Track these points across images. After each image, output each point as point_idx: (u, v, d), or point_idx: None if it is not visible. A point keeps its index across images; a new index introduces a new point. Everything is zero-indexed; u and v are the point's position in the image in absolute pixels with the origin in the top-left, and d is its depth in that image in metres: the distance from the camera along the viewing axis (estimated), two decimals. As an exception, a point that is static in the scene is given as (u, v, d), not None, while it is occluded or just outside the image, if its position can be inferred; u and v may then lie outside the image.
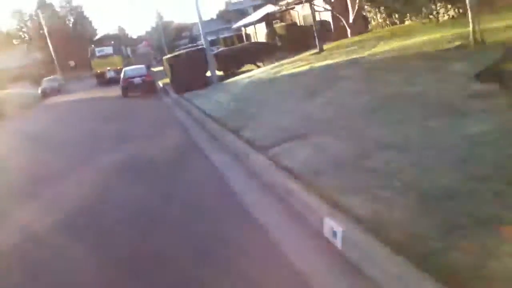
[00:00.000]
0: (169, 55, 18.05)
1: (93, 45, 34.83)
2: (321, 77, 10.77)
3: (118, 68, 33.66)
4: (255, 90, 12.27)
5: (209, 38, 62.92)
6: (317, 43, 17.01)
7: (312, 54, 16.66)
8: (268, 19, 31.74)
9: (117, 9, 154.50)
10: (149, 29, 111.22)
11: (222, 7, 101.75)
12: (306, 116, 7.21)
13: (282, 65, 16.25)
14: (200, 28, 18.21)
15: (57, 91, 36.18)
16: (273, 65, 17.03)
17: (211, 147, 7.64)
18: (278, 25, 26.90)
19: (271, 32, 28.79)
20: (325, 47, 17.42)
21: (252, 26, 36.40)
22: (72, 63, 59.71)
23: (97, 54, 33.43)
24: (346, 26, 20.04)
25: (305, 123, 6.72)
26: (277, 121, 7.43)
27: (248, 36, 38.52)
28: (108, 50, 33.48)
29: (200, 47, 20.88)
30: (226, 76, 18.90)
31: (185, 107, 13.37)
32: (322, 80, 10.22)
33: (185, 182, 6.02)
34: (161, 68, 33.85)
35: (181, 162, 7.13)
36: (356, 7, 19.51)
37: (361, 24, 19.84)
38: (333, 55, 14.22)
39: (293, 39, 21.60)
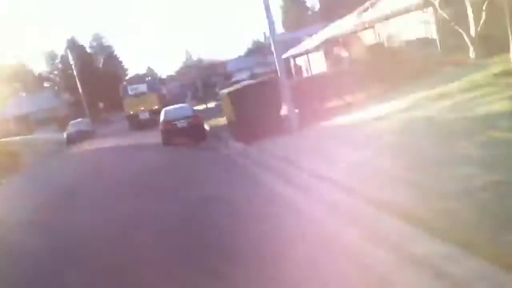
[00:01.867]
0: (230, 88, 12.94)
1: (125, 82, 30.43)
2: None
3: (154, 108, 29.08)
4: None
5: (243, 75, 58.96)
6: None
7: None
8: (328, 46, 26.81)
9: (145, 48, 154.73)
10: (177, 68, 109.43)
11: (250, 43, 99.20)
12: None
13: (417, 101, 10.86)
14: (272, 43, 13.15)
15: (84, 136, 31.77)
16: (403, 101, 11.49)
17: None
18: (354, 48, 21.70)
19: (336, 59, 23.78)
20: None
21: (304, 56, 31.59)
22: (101, 104, 56.07)
23: (130, 92, 28.99)
24: (468, 42, 14.70)
25: None
26: None
27: (298, 68, 33.66)
28: (142, 87, 29.00)
29: (270, 76, 15.83)
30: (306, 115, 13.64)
31: (277, 172, 8.08)
32: None
33: None
34: (199, 107, 29.20)
35: None
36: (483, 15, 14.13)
37: (491, 41, 14.38)
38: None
39: (381, 65, 16.25)
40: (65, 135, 32.04)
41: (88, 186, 12.34)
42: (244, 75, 61.16)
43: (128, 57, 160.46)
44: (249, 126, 12.40)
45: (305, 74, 31.66)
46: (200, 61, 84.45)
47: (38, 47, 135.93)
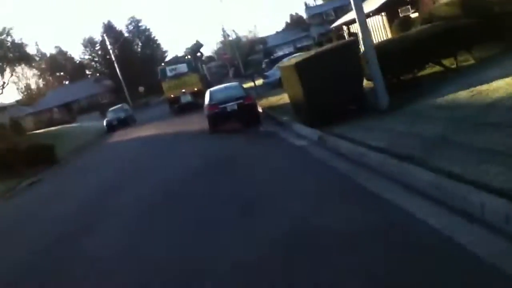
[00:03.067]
0: (297, 59, 9.95)
1: (163, 63, 27.95)
2: None
3: (196, 89, 26.53)
4: None
5: (285, 50, 55.32)
6: None
7: None
8: (391, 7, 23.22)
9: (181, 31, 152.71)
10: (214, 48, 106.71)
11: (288, 18, 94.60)
12: None
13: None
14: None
15: (124, 123, 29.88)
16: None
17: None
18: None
19: (403, 22, 20.31)
20: None
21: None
22: (141, 88, 54.38)
23: (169, 74, 26.50)
24: None
25: None
26: None
27: (353, 36, 30.15)
28: (182, 68, 26.44)
29: (349, 40, 12.74)
30: (398, 87, 10.55)
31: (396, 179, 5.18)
32: None
33: None
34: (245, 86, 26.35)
35: None
36: None
37: None
38: None
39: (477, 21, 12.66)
40: (104, 122, 30.23)
41: (128, 189, 9.91)
42: (286, 50, 57.86)
43: (166, 40, 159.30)
44: (323, 104, 9.52)
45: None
46: (238, 39, 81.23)
47: (77, 34, 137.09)
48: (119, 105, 33.47)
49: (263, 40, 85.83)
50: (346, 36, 31.41)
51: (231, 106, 14.04)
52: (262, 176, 7.63)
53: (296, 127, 10.99)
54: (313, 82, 9.48)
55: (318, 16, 66.74)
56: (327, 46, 9.81)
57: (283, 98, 18.15)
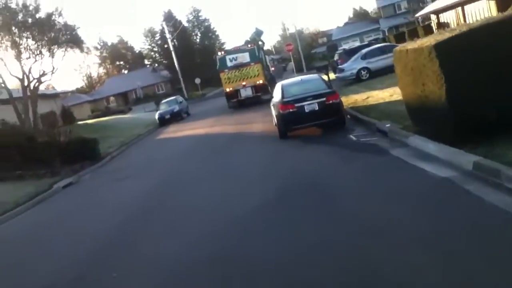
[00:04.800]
0: (436, 38, 6.30)
1: (222, 52, 24.76)
2: None
3: (258, 83, 23.22)
4: None
5: (353, 45, 50.91)
6: None
7: None
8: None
9: (240, 24, 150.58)
10: (273, 42, 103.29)
11: (351, 12, 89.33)
12: None
13: None
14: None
15: (177, 116, 27.29)
16: None
17: None
18: None
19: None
20: None
21: (453, 11, 23.65)
22: (198, 80, 52.12)
23: (228, 63, 23.36)
24: None
25: None
26: None
27: (444, 26, 25.82)
28: (244, 57, 23.16)
29: None
30: None
31: None
32: None
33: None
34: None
35: None
36: None
37: None
38: None
39: None
40: (156, 115, 27.76)
41: (153, 236, 6.85)
42: (352, 44, 53.60)
43: (225, 32, 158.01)
44: (476, 109, 5.95)
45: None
46: (300, 32, 77.40)
47: (139, 24, 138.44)
48: (173, 97, 30.91)
49: (326, 33, 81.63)
50: (434, 27, 26.99)
51: (311, 105, 10.67)
52: (395, 243, 4.23)
53: (415, 141, 7.45)
54: (463, 75, 5.92)
55: (389, 8, 61.52)
56: (487, 20, 6.18)
57: (372, 96, 14.53)
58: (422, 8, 35.02)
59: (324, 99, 10.71)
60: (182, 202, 7.84)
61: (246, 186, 7.75)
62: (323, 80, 12.16)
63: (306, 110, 10.70)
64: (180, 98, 31.05)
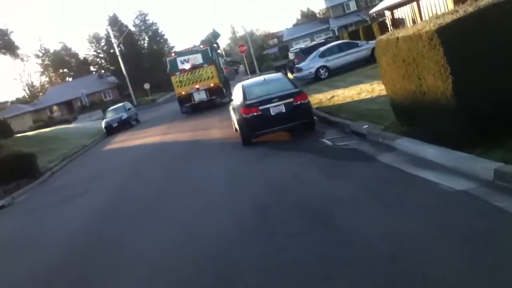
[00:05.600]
0: (439, 22, 5.20)
1: (173, 54, 23.16)
2: None
3: (212, 85, 21.77)
4: None
5: (301, 45, 50.47)
6: None
7: None
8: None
9: (189, 27, 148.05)
10: (223, 45, 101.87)
11: (298, 14, 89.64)
12: None
13: None
14: None
15: (126, 124, 25.46)
16: None
17: None
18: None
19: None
20: None
21: (408, 6, 23.26)
22: (147, 85, 50.03)
23: (180, 66, 21.78)
24: None
25: None
26: None
27: (399, 23, 25.36)
28: (196, 58, 21.60)
29: None
30: None
31: None
32: None
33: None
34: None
35: None
36: None
37: None
38: None
39: None
40: (103, 124, 25.74)
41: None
42: (303, 44, 53.35)
43: (174, 37, 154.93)
44: (487, 105, 4.95)
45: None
46: (251, 34, 76.53)
47: (83, 30, 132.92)
48: (121, 104, 28.91)
49: (276, 35, 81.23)
50: (389, 24, 26.64)
51: (277, 107, 9.47)
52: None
53: (404, 144, 6.39)
54: (473, 65, 4.88)
55: (338, 8, 61.77)
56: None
57: (337, 95, 13.55)
58: (369, 7, 34.79)
59: (291, 99, 9.54)
60: (126, 242, 5.98)
61: (210, 213, 6.26)
62: (289, 79, 11.00)
63: (272, 113, 9.49)
64: (128, 105, 29.14)
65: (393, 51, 6.07)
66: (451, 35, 4.87)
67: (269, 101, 9.54)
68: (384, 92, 11.12)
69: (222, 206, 6.27)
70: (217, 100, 21.82)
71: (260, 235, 4.80)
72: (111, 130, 24.71)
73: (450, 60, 4.88)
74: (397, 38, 5.89)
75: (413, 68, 5.62)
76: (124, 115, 25.98)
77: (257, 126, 9.61)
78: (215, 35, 27.26)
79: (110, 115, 26.32)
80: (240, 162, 9.05)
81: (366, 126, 8.27)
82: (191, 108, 22.42)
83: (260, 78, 11.27)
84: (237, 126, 10.76)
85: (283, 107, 9.48)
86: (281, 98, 9.54)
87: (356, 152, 7.29)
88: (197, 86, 21.79)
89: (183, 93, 22.04)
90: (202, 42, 24.22)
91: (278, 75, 11.68)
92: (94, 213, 8.21)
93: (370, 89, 12.18)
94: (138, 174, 11.18)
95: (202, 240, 5.15)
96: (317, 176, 6.55)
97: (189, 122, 19.30)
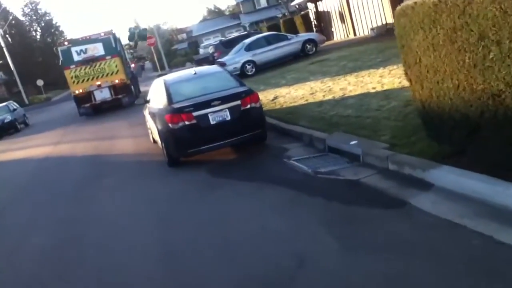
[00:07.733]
0: None
1: (66, 42, 18.99)
2: None
3: (118, 81, 18.06)
4: None
5: (212, 41, 47.70)
6: None
7: None
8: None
9: (86, 19, 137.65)
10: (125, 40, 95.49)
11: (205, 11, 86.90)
12: None
13: None
14: None
15: (10, 128, 20.93)
16: None
17: None
18: None
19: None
20: None
21: (334, 0, 21.51)
22: (40, 82, 44.05)
23: (76, 58, 17.71)
24: None
25: None
26: None
27: (325, 16, 23.52)
28: (96, 48, 17.55)
29: None
30: None
31: None
32: None
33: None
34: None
35: None
36: None
37: None
38: None
39: None
40: (-19, 128, 20.81)
41: None
42: (212, 40, 50.76)
43: (71, 30, 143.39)
44: None
45: (336, 23, 21.51)
46: (158, 27, 71.96)
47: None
48: (4, 104, 23.83)
49: (184, 30, 77.34)
50: (312, 17, 24.80)
51: (219, 113, 6.61)
52: None
53: (453, 179, 3.91)
54: None
55: (248, 3, 59.98)
56: None
57: (281, 95, 10.97)
58: (287, 1, 33.10)
59: (238, 102, 6.73)
60: None
61: None
62: (230, 73, 8.12)
63: (212, 122, 6.60)
64: (13, 105, 24.17)
65: (451, 21, 3.50)
66: None
67: (207, 104, 6.64)
68: (351, 93, 8.80)
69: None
70: (123, 100, 18.19)
71: None
72: (-8, 135, 19.96)
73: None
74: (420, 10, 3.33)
75: (473, 46, 3.09)
76: (8, 117, 21.25)
77: (190, 141, 6.65)
78: (140, 31, 23.37)
79: (-11, 118, 21.37)
80: (172, 202, 5.90)
81: (356, 142, 5.73)
82: (92, 110, 18.49)
83: (190, 71, 8.16)
84: (157, 138, 7.70)
85: (228, 113, 6.64)
86: (224, 100, 6.69)
87: (363, 188, 4.70)
88: (98, 83, 17.95)
89: (81, 90, 18.05)
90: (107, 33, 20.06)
91: (215, 67, 8.75)
92: None
93: (327, 88, 9.75)
94: (15, 216, 7.47)
95: None
96: (324, 242, 3.77)
97: (89, 127, 15.55)
